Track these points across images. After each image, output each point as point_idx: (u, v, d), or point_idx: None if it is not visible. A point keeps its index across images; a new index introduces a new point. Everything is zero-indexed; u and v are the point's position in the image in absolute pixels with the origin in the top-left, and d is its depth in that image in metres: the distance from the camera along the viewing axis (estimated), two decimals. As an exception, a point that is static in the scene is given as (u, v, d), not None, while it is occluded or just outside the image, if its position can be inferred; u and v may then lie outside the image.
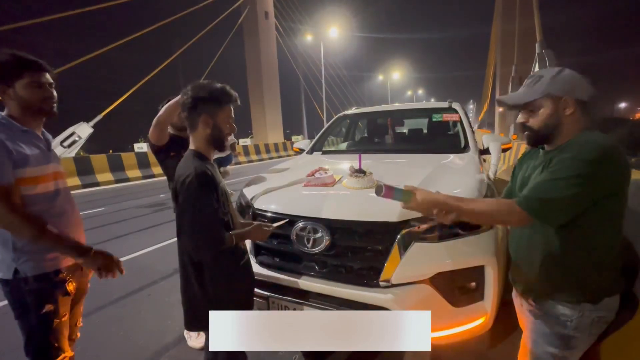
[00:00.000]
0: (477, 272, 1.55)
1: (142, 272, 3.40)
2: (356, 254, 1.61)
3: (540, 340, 1.09)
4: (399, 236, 1.52)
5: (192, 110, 1.22)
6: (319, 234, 1.62)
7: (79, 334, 1.50)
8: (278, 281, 1.72)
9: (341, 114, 3.78)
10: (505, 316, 1.69)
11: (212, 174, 1.21)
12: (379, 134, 3.66)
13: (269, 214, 1.81)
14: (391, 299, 1.47)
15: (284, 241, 1.77)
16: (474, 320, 1.53)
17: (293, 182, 2.02)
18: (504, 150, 2.66)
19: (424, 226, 1.44)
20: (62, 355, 1.29)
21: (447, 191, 1.14)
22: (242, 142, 18.12)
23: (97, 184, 9.67)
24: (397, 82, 54.11)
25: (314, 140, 3.39)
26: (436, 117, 3.15)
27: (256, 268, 1.76)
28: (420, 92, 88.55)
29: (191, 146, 1.28)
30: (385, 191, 1.04)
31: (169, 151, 1.89)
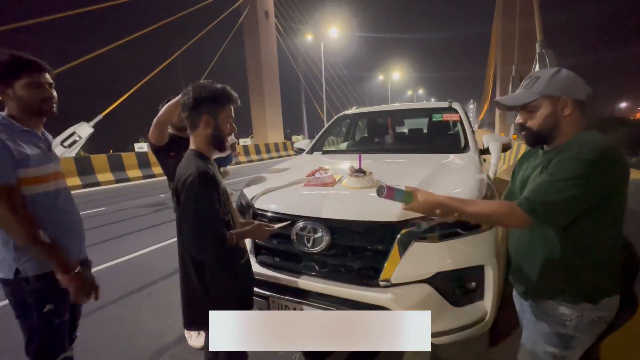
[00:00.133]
0: (476, 272, 1.55)
1: (142, 271, 3.41)
2: (356, 253, 1.62)
3: (540, 339, 1.10)
4: (398, 236, 1.52)
5: (193, 110, 1.22)
6: (319, 234, 1.62)
7: (77, 334, 1.50)
8: (278, 281, 1.72)
9: (341, 113, 3.78)
10: (505, 316, 1.69)
11: (213, 173, 1.21)
12: (379, 134, 3.66)
13: (269, 214, 1.81)
14: (391, 299, 1.48)
15: (284, 241, 1.77)
16: (474, 320, 1.53)
17: (293, 182, 2.03)
18: (504, 150, 2.66)
19: (424, 224, 1.43)
20: (63, 355, 1.29)
21: (447, 191, 1.14)
22: (243, 142, 18.11)
23: (98, 184, 9.67)
24: (398, 81, 54.08)
25: (314, 140, 3.39)
26: (436, 117, 3.15)
27: (256, 268, 1.76)
28: (420, 91, 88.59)
29: (192, 146, 1.28)
30: (387, 192, 1.04)
31: (169, 151, 1.89)
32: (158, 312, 2.63)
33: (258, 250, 1.87)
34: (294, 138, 25.40)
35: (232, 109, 1.31)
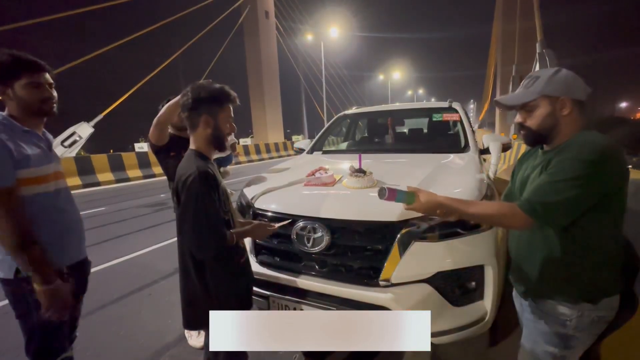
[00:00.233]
0: (476, 272, 1.55)
1: (142, 271, 3.41)
2: (356, 253, 1.62)
3: (540, 339, 1.10)
4: (398, 235, 1.52)
5: (193, 110, 1.22)
6: (319, 234, 1.62)
7: (76, 334, 1.50)
8: (278, 280, 1.72)
9: (341, 113, 3.78)
10: (505, 316, 1.69)
11: (213, 173, 1.22)
12: (379, 134, 3.66)
13: (269, 214, 1.81)
14: (391, 298, 1.48)
15: (284, 241, 1.77)
16: (474, 320, 1.53)
17: (293, 182, 2.03)
18: (504, 150, 2.66)
19: (424, 224, 1.43)
20: (63, 355, 1.29)
21: (447, 191, 1.14)
22: (243, 141, 18.11)
23: (98, 184, 9.68)
24: (398, 81, 54.04)
25: (314, 140, 3.39)
26: (436, 117, 3.15)
27: (256, 267, 1.76)
28: (420, 91, 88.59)
29: (192, 146, 1.28)
30: (389, 194, 1.04)
31: (169, 151, 1.89)
32: (158, 312, 2.63)
33: (258, 250, 1.87)
34: (294, 138, 25.40)
35: (232, 108, 1.31)
